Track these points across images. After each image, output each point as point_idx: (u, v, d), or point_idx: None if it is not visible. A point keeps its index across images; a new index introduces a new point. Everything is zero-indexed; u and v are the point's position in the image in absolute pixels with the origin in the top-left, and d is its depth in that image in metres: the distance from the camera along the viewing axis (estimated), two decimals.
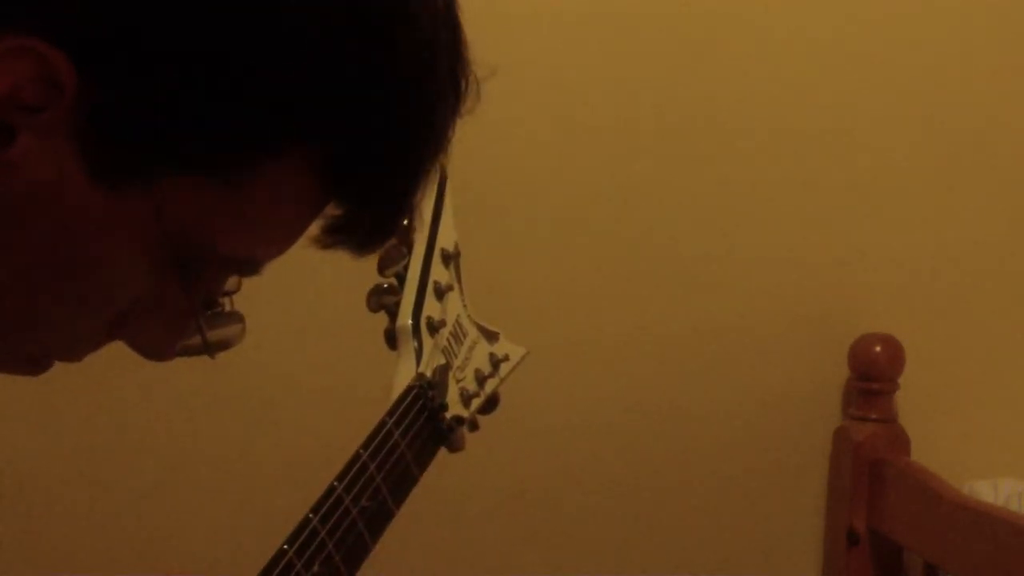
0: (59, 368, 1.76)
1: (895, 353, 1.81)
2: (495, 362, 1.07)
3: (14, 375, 0.69)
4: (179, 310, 0.67)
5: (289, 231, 0.66)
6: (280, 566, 0.80)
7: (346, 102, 0.62)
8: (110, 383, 1.72)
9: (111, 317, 0.66)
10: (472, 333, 1.06)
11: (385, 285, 1.00)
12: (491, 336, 1.09)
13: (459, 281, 1.06)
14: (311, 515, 0.83)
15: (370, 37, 0.62)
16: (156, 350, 0.69)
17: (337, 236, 0.67)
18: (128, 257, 0.63)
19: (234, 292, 0.73)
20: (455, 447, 1.00)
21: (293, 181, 0.63)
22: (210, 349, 0.70)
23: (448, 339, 1.02)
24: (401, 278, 1.01)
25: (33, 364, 0.69)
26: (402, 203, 0.67)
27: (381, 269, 1.00)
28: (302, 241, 0.67)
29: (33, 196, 0.60)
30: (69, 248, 0.62)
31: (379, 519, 0.89)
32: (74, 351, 0.69)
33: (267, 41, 0.60)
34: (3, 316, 0.64)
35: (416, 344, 0.98)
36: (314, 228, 0.67)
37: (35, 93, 0.58)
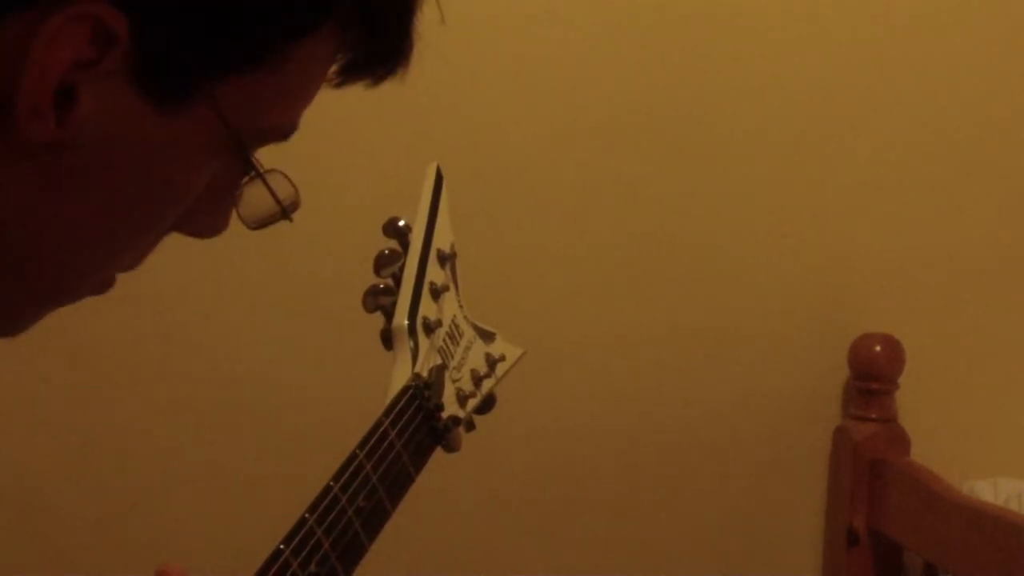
0: (58, 368, 1.76)
1: (895, 353, 1.81)
2: (491, 362, 1.07)
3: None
4: (230, 187, 0.70)
5: (319, 83, 0.70)
6: (276, 566, 0.80)
7: None
8: (108, 383, 1.73)
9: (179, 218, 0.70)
10: (468, 333, 1.06)
11: (381, 286, 1.00)
12: (487, 336, 1.09)
13: (455, 281, 1.06)
14: (307, 515, 0.83)
15: None
16: (214, 229, 0.72)
17: (353, 72, 0.70)
18: (200, 167, 0.67)
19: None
20: (451, 447, 0.99)
21: (326, 43, 0.67)
22: (287, 213, 0.71)
23: (444, 339, 1.02)
24: (397, 279, 1.01)
25: (106, 287, 0.71)
26: (407, 22, 0.70)
27: (377, 270, 1.00)
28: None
29: (106, 143, 0.62)
30: (147, 179, 0.65)
31: (375, 519, 0.89)
32: (141, 261, 0.72)
33: None
34: (90, 257, 0.67)
35: (412, 344, 0.98)
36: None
37: (92, 50, 0.60)
